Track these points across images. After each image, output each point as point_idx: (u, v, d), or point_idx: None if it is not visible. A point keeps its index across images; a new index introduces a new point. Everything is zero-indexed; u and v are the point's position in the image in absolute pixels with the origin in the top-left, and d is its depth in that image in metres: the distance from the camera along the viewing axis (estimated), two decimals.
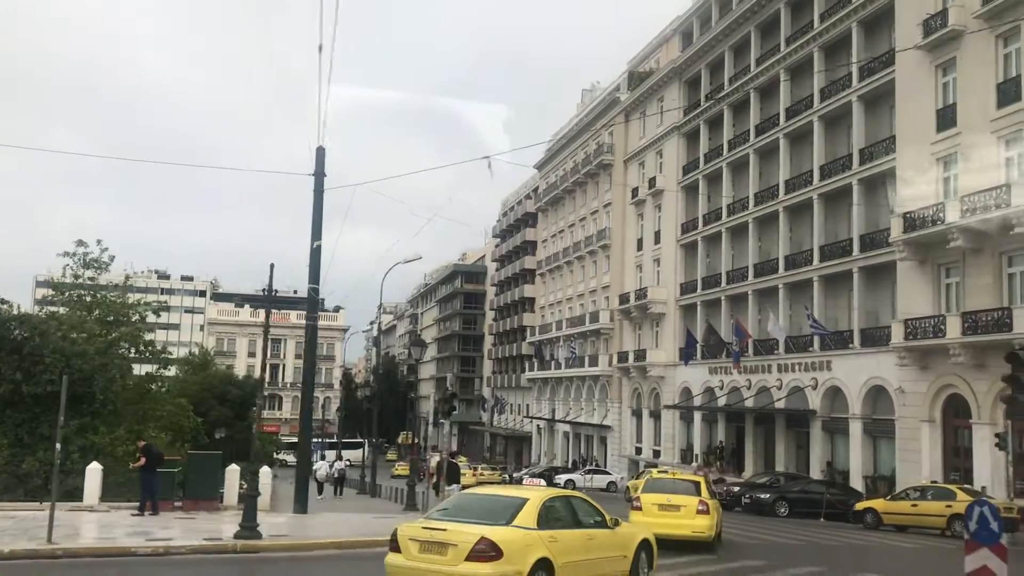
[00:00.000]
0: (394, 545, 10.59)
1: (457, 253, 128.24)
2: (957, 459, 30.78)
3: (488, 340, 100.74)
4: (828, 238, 39.08)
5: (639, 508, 18.13)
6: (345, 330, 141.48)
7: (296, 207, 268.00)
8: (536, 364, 75.21)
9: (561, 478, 49.28)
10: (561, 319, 70.68)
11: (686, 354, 47.99)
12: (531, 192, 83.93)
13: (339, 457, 53.80)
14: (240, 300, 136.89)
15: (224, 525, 16.60)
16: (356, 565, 13.52)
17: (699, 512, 17.94)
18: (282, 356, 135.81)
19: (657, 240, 55.61)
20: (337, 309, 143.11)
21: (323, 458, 49.79)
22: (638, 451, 56.66)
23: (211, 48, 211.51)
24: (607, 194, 63.58)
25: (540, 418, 74.26)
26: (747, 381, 43.74)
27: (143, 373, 36.25)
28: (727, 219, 47.19)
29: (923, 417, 31.59)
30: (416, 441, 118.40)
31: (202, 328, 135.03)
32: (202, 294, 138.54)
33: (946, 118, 31.66)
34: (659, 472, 24.97)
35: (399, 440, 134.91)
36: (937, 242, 30.43)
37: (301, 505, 21.36)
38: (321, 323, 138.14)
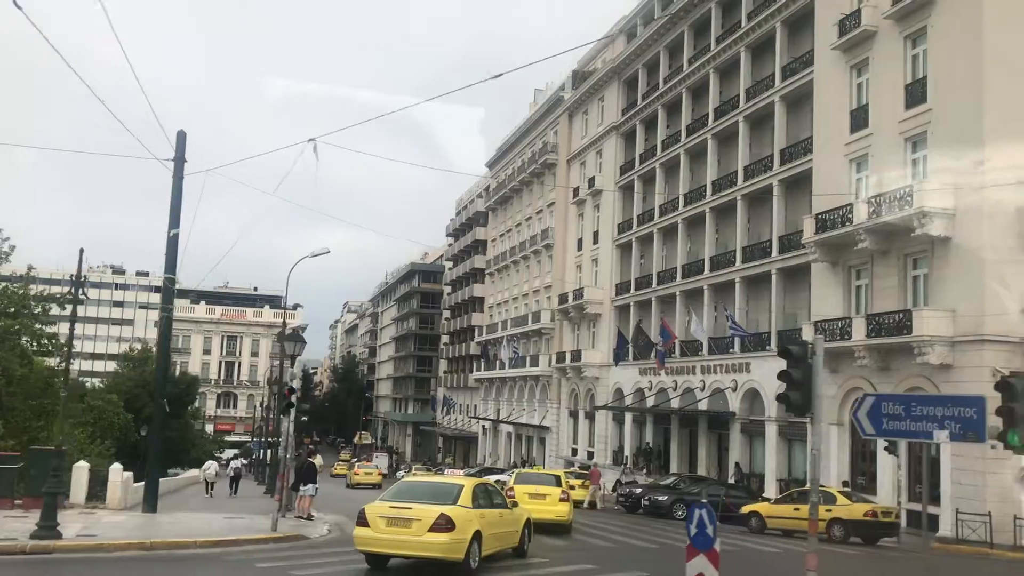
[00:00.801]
0: (362, 521, 13.58)
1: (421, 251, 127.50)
2: (864, 463, 30.52)
3: (444, 339, 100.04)
4: (751, 239, 38.79)
5: (512, 497, 20.30)
6: (304, 328, 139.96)
7: (254, 202, 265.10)
8: (483, 364, 74.58)
9: (491, 478, 48.63)
10: (507, 319, 70.09)
11: (617, 355, 47.61)
12: (483, 191, 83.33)
13: (237, 456, 53.34)
14: (196, 296, 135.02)
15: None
16: (147, 567, 12.84)
17: (561, 500, 22.17)
18: (238, 354, 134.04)
19: (596, 240, 55.20)
20: (295, 307, 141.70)
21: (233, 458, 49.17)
22: (574, 452, 56.16)
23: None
24: (551, 193, 63.08)
25: (484, 419, 73.67)
26: (673, 382, 43.37)
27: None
28: (659, 220, 46.83)
29: (832, 420, 31.28)
30: (370, 441, 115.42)
31: (156, 324, 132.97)
32: (157, 290, 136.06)
33: (859, 119, 31.43)
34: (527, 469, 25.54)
35: (355, 440, 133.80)
36: (847, 244, 30.14)
37: (150, 505, 20.59)
38: (277, 320, 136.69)
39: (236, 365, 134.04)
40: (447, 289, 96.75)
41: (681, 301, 43.89)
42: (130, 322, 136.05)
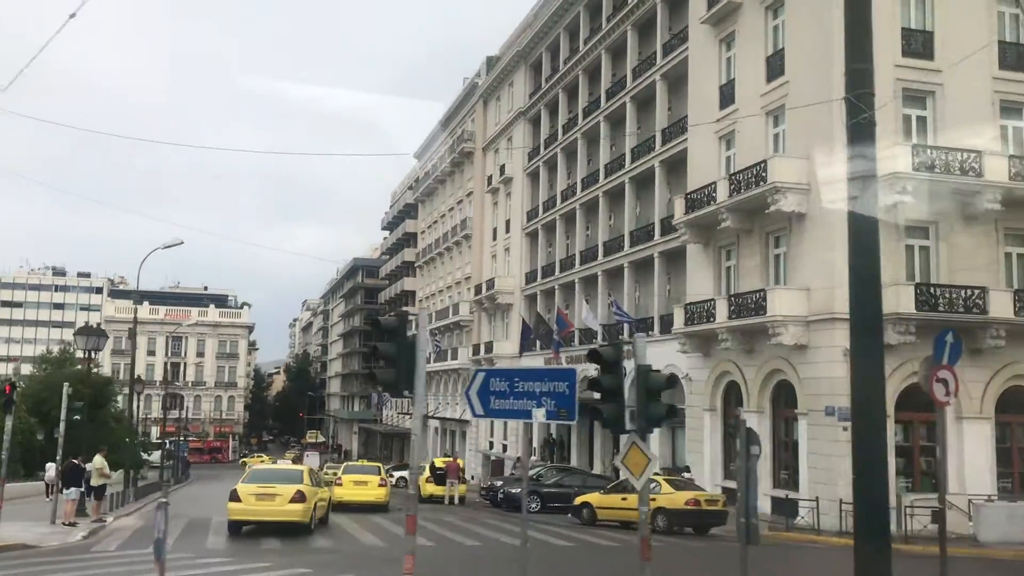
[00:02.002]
0: (235, 498, 19.43)
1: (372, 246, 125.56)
2: (734, 448, 29.56)
3: None
4: (640, 223, 37.78)
5: (340, 483, 28.94)
6: (250, 328, 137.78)
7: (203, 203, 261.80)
8: None
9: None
10: (432, 312, 68.78)
11: (521, 345, 46.49)
12: (413, 182, 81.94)
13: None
14: (139, 297, 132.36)
15: None
16: None
17: (380, 485, 28.90)
18: (183, 355, 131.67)
19: (508, 229, 54.04)
20: (242, 306, 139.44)
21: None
22: (491, 446, 55.03)
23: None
24: (470, 183, 61.88)
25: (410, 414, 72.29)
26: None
27: None
28: (560, 206, 45.76)
29: (705, 406, 30.36)
30: (320, 440, 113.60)
31: (98, 326, 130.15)
32: (98, 291, 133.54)
33: (727, 95, 30.46)
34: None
35: (304, 439, 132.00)
36: (713, 223, 29.14)
37: None
38: (224, 320, 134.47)
39: (181, 366, 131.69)
40: (384, 283, 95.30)
41: (580, 288, 42.87)
42: (71, 324, 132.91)
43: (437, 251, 69.31)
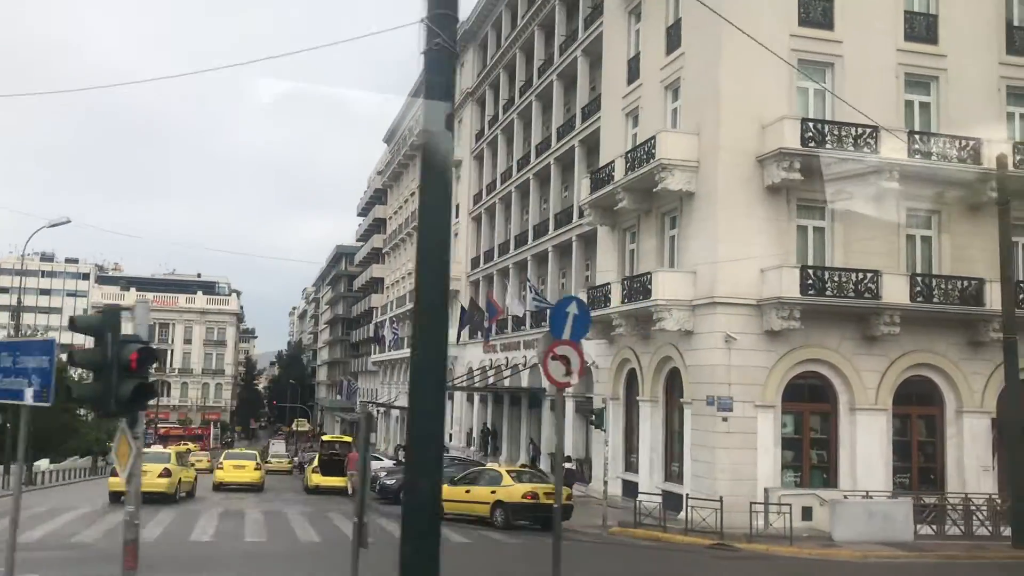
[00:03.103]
0: (113, 473, 22.94)
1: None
2: (635, 439, 28.31)
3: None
4: (565, 205, 36.46)
5: (221, 467, 34.78)
6: (238, 315, 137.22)
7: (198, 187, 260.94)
8: (376, 347, 72.28)
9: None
10: (393, 299, 67.78)
11: (459, 333, 45.29)
12: (383, 167, 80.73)
13: None
14: (126, 283, 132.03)
15: None
16: None
17: (255, 469, 34.40)
18: (170, 341, 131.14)
19: (457, 213, 52.74)
20: (230, 293, 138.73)
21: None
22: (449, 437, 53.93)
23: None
24: None
25: (374, 403, 71.42)
26: (505, 359, 41.11)
27: None
28: (500, 189, 44.49)
29: (609, 394, 29.09)
30: (307, 428, 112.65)
31: (85, 312, 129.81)
32: (85, 277, 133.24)
33: (634, 69, 29.06)
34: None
35: (293, 426, 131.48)
36: (614, 204, 27.79)
37: None
38: (210, 307, 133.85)
39: (169, 353, 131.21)
40: (359, 271, 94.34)
41: (514, 273, 41.63)
42: (58, 310, 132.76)
43: (400, 237, 68.19)
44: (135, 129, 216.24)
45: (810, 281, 22.42)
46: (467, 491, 20.86)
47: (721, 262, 23.04)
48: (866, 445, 23.25)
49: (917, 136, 23.68)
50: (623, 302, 26.07)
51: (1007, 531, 20.94)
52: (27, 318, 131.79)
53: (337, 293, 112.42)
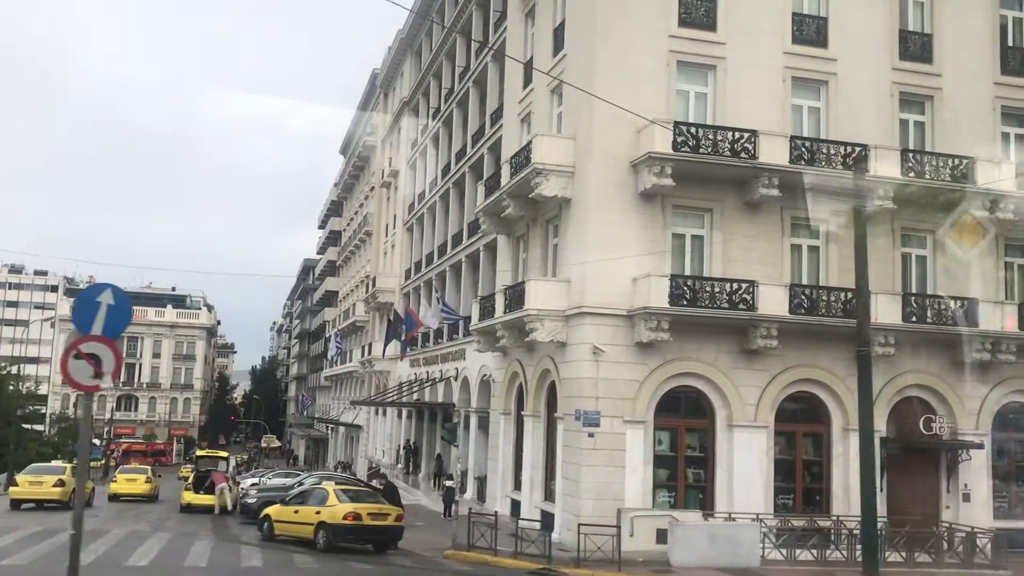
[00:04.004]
0: (14, 483, 30.46)
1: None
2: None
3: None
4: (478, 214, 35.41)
5: (115, 480, 37.64)
6: (208, 328, 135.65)
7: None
8: (327, 362, 71.17)
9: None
10: (341, 312, 66.73)
11: (384, 347, 44.16)
12: (338, 179, 79.84)
13: None
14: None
15: None
16: None
17: (147, 481, 37.33)
18: (139, 355, 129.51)
19: (395, 224, 51.83)
20: (200, 307, 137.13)
21: None
22: (376, 451, 52.74)
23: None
24: (373, 177, 59.76)
25: (323, 420, 70.26)
26: (426, 373, 40.01)
27: None
28: (428, 198, 43.50)
29: (501, 409, 28.01)
30: (277, 444, 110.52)
31: (53, 325, 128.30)
32: (54, 289, 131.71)
33: (528, 73, 28.13)
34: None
35: (261, 444, 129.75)
36: (502, 212, 26.73)
37: None
38: (180, 321, 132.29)
39: (137, 367, 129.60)
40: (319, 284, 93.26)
41: (437, 285, 40.56)
42: (25, 323, 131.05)
43: (349, 249, 67.23)
44: (125, 143, 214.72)
45: (680, 291, 21.39)
46: (295, 511, 19.68)
47: (592, 271, 22.05)
48: (744, 464, 22.18)
49: (801, 141, 22.71)
50: (504, 312, 25.02)
51: (892, 556, 19.92)
52: None
53: (304, 307, 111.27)
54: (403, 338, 38.54)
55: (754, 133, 22.10)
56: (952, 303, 23.25)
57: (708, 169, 21.95)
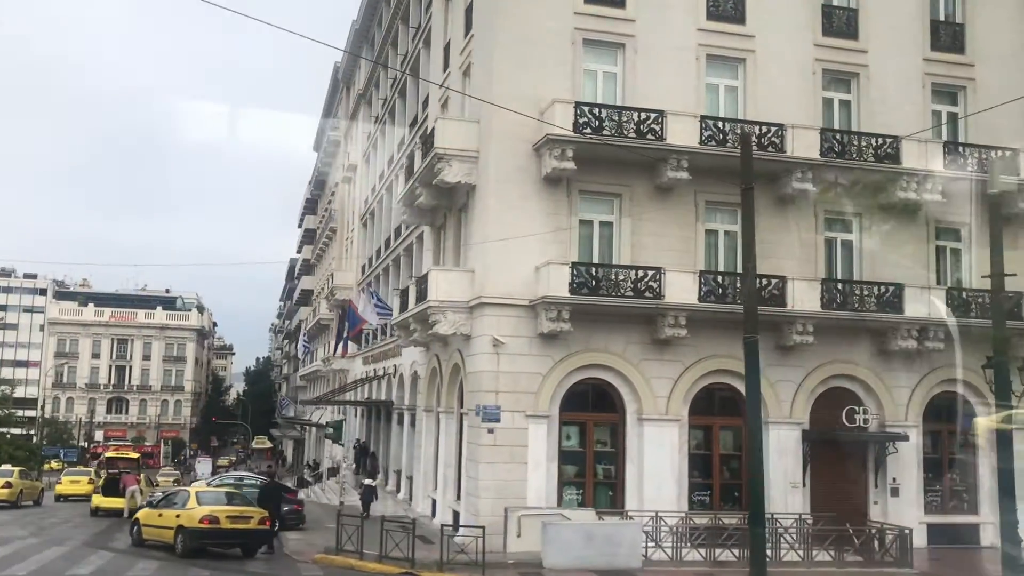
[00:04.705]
0: None
1: None
2: None
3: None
4: None
5: (60, 482, 40.02)
6: (199, 330, 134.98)
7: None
8: (300, 362, 70.34)
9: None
10: (310, 311, 65.89)
11: (335, 345, 43.23)
12: (312, 177, 78.96)
13: None
14: (84, 299, 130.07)
15: None
16: None
17: (89, 483, 37.99)
18: (128, 358, 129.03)
19: (354, 219, 50.91)
20: (190, 308, 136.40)
21: None
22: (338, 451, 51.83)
23: None
24: (337, 173, 58.86)
25: (295, 421, 69.46)
26: (373, 371, 39.10)
27: None
28: (378, 191, 42.51)
29: (424, 405, 27.08)
30: (268, 445, 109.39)
31: (42, 328, 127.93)
32: (43, 292, 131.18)
33: (448, 56, 27.19)
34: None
35: (253, 444, 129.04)
36: (415, 201, 25.76)
37: None
38: (170, 322, 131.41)
39: (127, 369, 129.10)
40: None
41: (383, 279, 39.63)
42: (14, 326, 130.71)
43: (320, 247, 66.38)
44: (135, 147, 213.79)
45: (582, 279, 20.39)
46: (160, 515, 18.76)
47: (494, 260, 21.12)
48: (656, 459, 21.19)
49: (714, 122, 21.66)
50: (416, 304, 24.07)
51: (787, 555, 18.93)
52: None
53: (288, 306, 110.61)
54: (346, 335, 37.59)
55: (661, 113, 21.09)
56: (876, 289, 22.18)
57: (615, 152, 20.92)
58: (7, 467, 37.29)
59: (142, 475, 43.36)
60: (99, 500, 27.94)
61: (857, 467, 22.86)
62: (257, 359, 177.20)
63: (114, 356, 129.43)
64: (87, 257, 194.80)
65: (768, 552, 17.83)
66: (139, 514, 19.89)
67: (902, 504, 22.62)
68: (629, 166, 21.44)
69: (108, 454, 35.53)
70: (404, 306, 25.70)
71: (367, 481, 26.75)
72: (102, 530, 23.21)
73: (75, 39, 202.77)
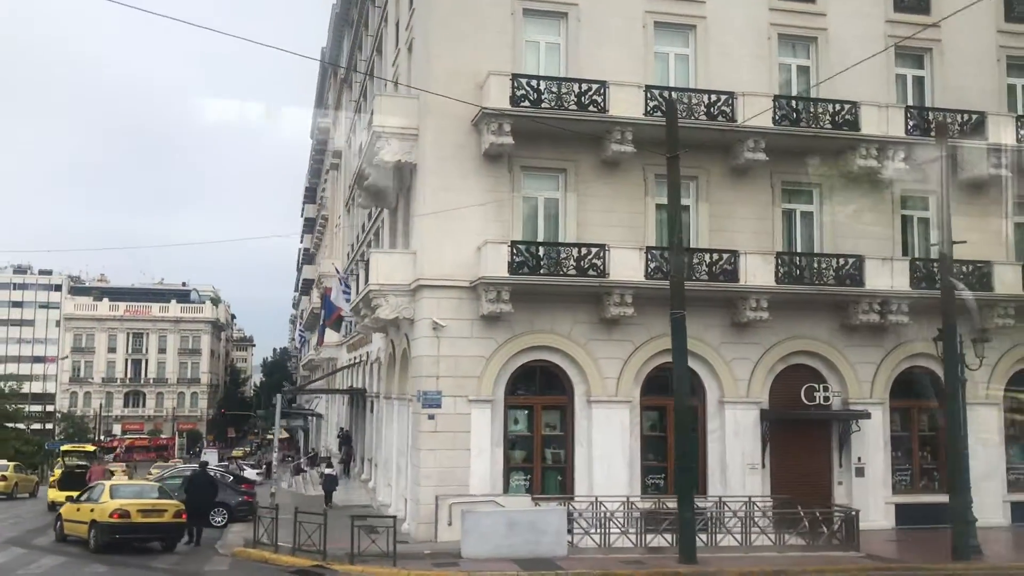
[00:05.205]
0: None
1: None
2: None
3: None
4: None
5: None
6: (213, 322, 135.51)
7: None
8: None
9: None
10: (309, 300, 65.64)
11: (319, 333, 42.89)
12: (309, 165, 78.55)
13: None
14: (99, 294, 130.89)
15: None
16: None
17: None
18: (144, 351, 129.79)
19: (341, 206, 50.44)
20: (204, 301, 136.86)
21: None
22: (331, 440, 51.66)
23: None
24: (328, 160, 58.41)
25: (297, 412, 69.32)
26: (352, 358, 38.68)
27: None
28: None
29: (384, 392, 26.59)
30: (284, 436, 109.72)
31: (58, 324, 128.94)
32: (58, 288, 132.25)
33: (399, 33, 26.43)
34: None
35: (250, 436, 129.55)
36: (364, 181, 25.10)
37: None
38: (185, 315, 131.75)
39: (143, 363, 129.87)
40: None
41: (361, 265, 39.08)
42: (31, 322, 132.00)
43: (317, 235, 66.05)
44: (160, 143, 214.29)
45: (521, 258, 19.70)
46: (78, 509, 18.33)
47: (434, 240, 20.52)
48: (605, 442, 20.53)
49: (659, 91, 20.80)
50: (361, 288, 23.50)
51: (724, 540, 18.16)
52: None
53: (298, 296, 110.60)
54: (322, 323, 37.15)
55: (603, 84, 20.30)
56: (834, 261, 21.30)
57: (558, 125, 20.17)
58: (3, 462, 38.42)
59: (123, 467, 43.45)
60: (55, 495, 27.59)
61: (820, 447, 22.06)
62: (274, 349, 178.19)
63: (130, 350, 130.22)
64: (106, 253, 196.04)
65: (704, 538, 17.18)
66: (62, 509, 19.51)
67: (868, 484, 21.82)
68: (573, 140, 20.67)
69: (63, 447, 35.28)
70: (359, 291, 25.12)
71: (327, 470, 26.31)
72: (41, 526, 22.85)
73: (84, 34, 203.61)
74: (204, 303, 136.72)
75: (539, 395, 21.00)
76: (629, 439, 20.70)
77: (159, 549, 17.38)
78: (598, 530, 17.45)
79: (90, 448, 32.80)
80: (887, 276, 21.27)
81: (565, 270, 19.85)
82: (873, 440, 21.95)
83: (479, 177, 20.58)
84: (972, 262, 21.84)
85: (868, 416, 21.39)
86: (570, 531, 17.44)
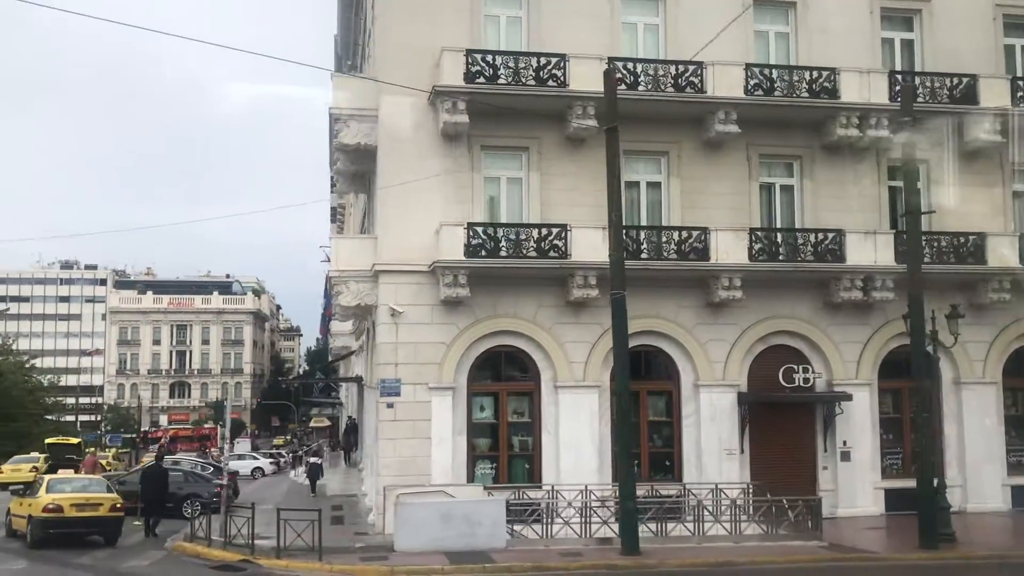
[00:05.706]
0: None
1: None
2: None
3: None
4: None
5: None
6: (255, 313, 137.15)
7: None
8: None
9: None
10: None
11: (327, 321, 42.86)
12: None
13: None
14: (143, 287, 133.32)
15: None
16: None
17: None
18: (188, 342, 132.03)
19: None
20: (246, 292, 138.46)
21: None
22: None
23: None
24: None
25: (321, 402, 69.84)
26: (359, 346, 38.42)
27: None
28: None
29: (367, 380, 26.17)
30: (326, 424, 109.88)
31: (104, 318, 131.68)
32: (103, 282, 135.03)
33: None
34: None
35: (293, 424, 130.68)
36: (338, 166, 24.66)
37: None
38: (226, 307, 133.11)
39: (187, 354, 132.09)
40: None
41: None
42: (77, 317, 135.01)
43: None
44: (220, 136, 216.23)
45: (479, 241, 19.08)
46: (21, 504, 18.18)
47: (392, 224, 20.03)
48: (573, 428, 19.87)
49: (624, 63, 19.96)
50: None
51: (675, 530, 17.38)
52: (47, 326, 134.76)
53: None
54: (324, 312, 36.99)
55: (563, 57, 19.55)
56: (813, 236, 20.29)
57: (518, 102, 19.49)
58: (35, 454, 38.77)
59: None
60: None
61: (804, 431, 21.12)
62: (316, 339, 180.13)
63: (174, 342, 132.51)
64: (160, 246, 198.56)
65: (652, 527, 16.48)
66: (10, 503, 19.44)
67: (855, 469, 20.85)
68: (537, 117, 19.98)
69: (47, 440, 35.75)
70: None
71: (312, 459, 26.08)
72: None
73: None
74: (246, 294, 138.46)
75: (504, 381, 20.40)
76: (599, 425, 19.99)
77: (101, 543, 17.20)
78: (544, 521, 16.82)
79: (74, 441, 33.12)
80: (870, 251, 20.21)
81: (526, 252, 19.21)
82: (860, 423, 20.94)
83: (438, 158, 19.98)
84: (964, 234, 20.72)
85: (850, 398, 20.38)
86: (521, 522, 16.85)
